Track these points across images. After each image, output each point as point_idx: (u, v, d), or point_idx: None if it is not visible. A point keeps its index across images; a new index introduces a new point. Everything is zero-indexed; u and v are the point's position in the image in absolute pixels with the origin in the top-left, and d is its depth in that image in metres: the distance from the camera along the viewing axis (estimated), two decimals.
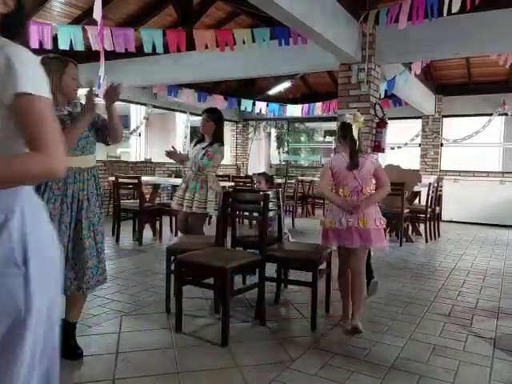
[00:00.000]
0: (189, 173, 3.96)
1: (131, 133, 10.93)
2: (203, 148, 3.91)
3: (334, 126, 5.79)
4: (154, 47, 5.23)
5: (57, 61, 2.27)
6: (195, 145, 4.07)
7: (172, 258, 3.11)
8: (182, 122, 11.73)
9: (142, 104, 9.69)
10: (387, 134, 5.33)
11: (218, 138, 3.96)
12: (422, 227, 6.72)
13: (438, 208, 6.88)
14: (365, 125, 3.37)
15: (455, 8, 3.98)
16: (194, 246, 3.07)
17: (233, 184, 7.19)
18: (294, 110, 9.82)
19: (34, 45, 4.96)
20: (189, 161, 3.98)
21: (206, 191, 3.82)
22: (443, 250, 5.84)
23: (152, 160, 9.81)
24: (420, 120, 9.63)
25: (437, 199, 6.78)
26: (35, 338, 1.06)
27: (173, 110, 10.47)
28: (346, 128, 2.96)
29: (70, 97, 2.35)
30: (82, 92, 2.42)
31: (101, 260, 2.39)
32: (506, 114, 8.83)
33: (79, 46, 5.11)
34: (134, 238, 5.80)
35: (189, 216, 3.90)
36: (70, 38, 5.07)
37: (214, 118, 3.95)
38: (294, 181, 8.53)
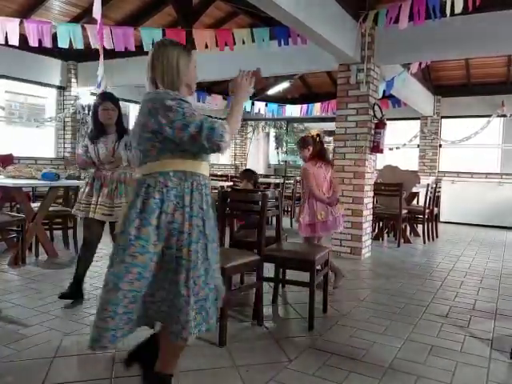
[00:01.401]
0: (106, 173, 3.29)
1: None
2: (117, 141, 3.30)
3: (332, 126, 5.80)
4: None
5: (181, 47, 1.93)
6: (94, 139, 3.32)
7: None
8: None
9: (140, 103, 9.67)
10: (386, 134, 5.34)
11: (123, 127, 3.38)
12: (420, 228, 6.73)
13: (436, 209, 6.89)
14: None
15: (457, 9, 3.98)
16: None
17: (231, 184, 7.19)
18: (293, 110, 9.83)
19: (34, 43, 4.95)
20: (96, 161, 3.31)
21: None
22: (441, 251, 5.85)
23: None
24: (419, 121, 9.65)
25: (435, 200, 6.80)
26: None
27: None
28: (318, 140, 3.87)
29: (193, 89, 1.97)
30: None
31: None
32: (504, 116, 8.85)
33: (79, 45, 5.10)
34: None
35: (111, 224, 3.32)
36: (69, 36, 5.05)
37: (118, 104, 3.35)
38: (292, 181, 8.55)
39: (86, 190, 3.33)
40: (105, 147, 3.28)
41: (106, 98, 3.31)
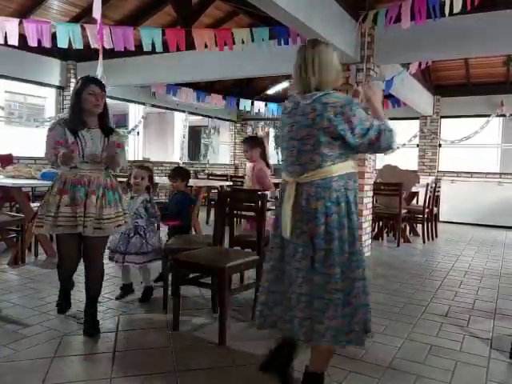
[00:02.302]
0: (91, 176, 2.64)
1: (129, 132, 10.93)
2: (105, 137, 2.71)
3: None
4: (153, 46, 5.22)
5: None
6: (76, 130, 2.63)
7: (169, 257, 3.11)
8: (181, 121, 11.74)
9: (140, 103, 9.68)
10: None
11: (108, 122, 2.79)
12: (419, 228, 6.73)
13: (435, 208, 6.89)
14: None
15: (456, 8, 3.98)
16: (192, 246, 3.08)
17: (231, 183, 7.19)
18: None
19: (33, 43, 4.94)
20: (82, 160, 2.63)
21: (120, 198, 2.81)
22: (440, 251, 5.85)
23: (150, 159, 9.80)
24: (418, 121, 9.65)
25: (434, 200, 6.80)
26: None
27: (171, 109, 10.47)
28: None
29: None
30: None
31: None
32: (503, 115, 8.85)
33: (78, 45, 5.10)
34: None
35: (90, 240, 2.67)
36: (68, 36, 5.05)
37: (105, 91, 2.72)
38: None
39: (64, 198, 2.58)
40: (93, 143, 2.65)
41: (92, 80, 2.69)
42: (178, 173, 3.83)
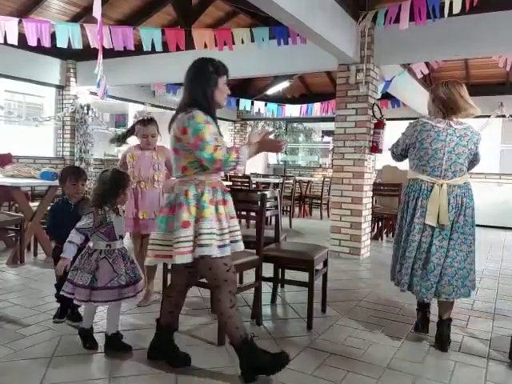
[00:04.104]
0: (213, 178, 2.17)
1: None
2: None
3: (331, 126, 5.81)
4: (153, 46, 5.22)
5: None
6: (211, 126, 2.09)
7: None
8: None
9: (140, 103, 9.67)
10: (385, 134, 5.34)
11: None
12: None
13: None
14: None
15: (456, 9, 3.98)
16: None
17: (230, 183, 7.19)
18: (293, 110, 9.82)
19: (32, 42, 4.94)
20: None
21: None
22: None
23: None
24: None
25: None
26: None
27: (171, 109, 10.46)
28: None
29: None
30: None
31: None
32: (503, 116, 8.86)
33: (77, 45, 5.09)
34: (130, 236, 5.78)
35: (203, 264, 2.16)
36: (68, 35, 5.04)
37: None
38: (291, 181, 8.54)
39: (224, 209, 2.14)
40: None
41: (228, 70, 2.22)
42: (61, 175, 2.93)
